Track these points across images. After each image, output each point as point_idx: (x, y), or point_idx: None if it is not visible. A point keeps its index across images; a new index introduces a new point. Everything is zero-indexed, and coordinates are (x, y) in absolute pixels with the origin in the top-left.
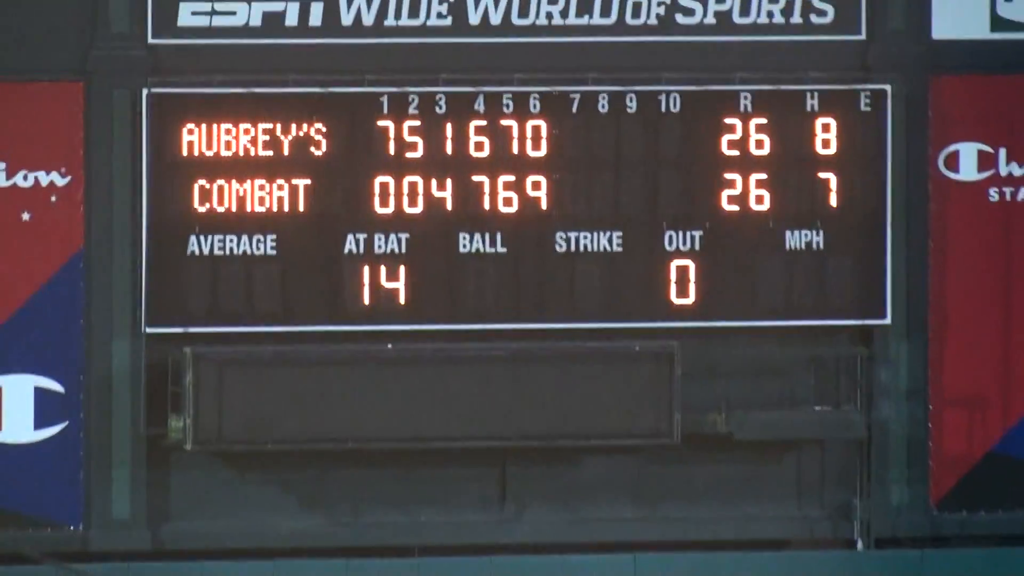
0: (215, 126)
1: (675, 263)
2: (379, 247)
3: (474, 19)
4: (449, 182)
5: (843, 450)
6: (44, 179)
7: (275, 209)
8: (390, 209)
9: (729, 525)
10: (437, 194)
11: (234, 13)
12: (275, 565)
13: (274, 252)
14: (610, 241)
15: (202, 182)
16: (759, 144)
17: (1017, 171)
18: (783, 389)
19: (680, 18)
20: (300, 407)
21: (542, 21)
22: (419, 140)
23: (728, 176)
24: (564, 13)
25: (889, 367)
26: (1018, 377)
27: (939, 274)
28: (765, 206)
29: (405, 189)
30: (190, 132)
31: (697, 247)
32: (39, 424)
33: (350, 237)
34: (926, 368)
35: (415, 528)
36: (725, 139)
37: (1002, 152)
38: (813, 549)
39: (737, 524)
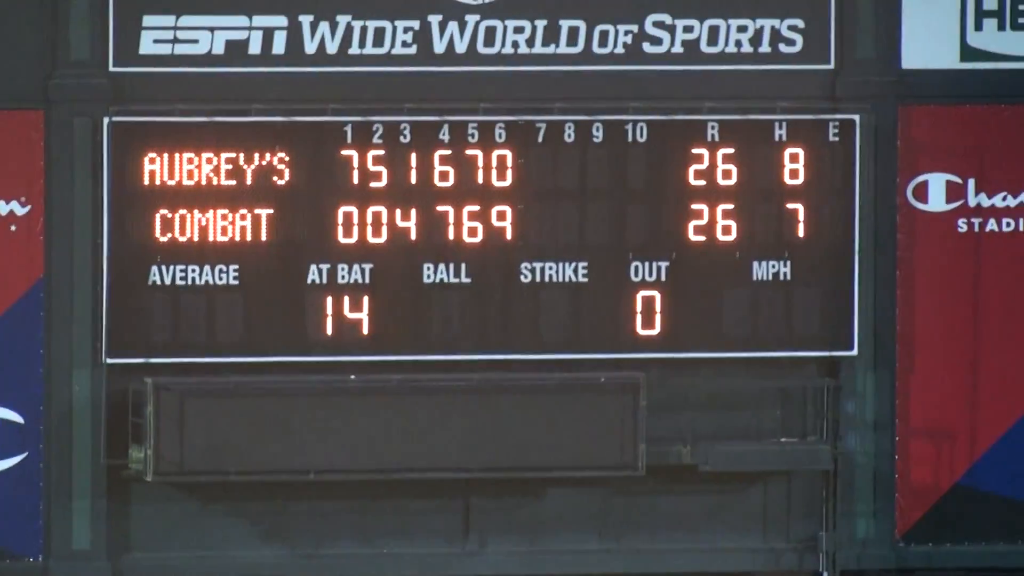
0: (177, 155)
1: (641, 294)
2: (342, 277)
3: (439, 48)
4: (413, 212)
5: (809, 482)
6: (3, 208)
7: (237, 239)
8: (354, 239)
9: (694, 557)
10: (401, 224)
11: (196, 42)
12: None
13: (236, 282)
14: (575, 272)
15: (164, 211)
16: (726, 174)
17: (986, 202)
18: (749, 421)
19: (647, 47)
20: (262, 438)
21: (508, 50)
22: (383, 170)
23: (695, 206)
24: (530, 42)
25: (856, 399)
26: (985, 409)
27: (907, 306)
28: (732, 237)
29: (369, 219)
30: (152, 161)
31: (663, 278)
32: None
33: (313, 267)
34: (893, 400)
35: (377, 560)
36: (692, 169)
37: (971, 183)
38: None
39: (702, 556)
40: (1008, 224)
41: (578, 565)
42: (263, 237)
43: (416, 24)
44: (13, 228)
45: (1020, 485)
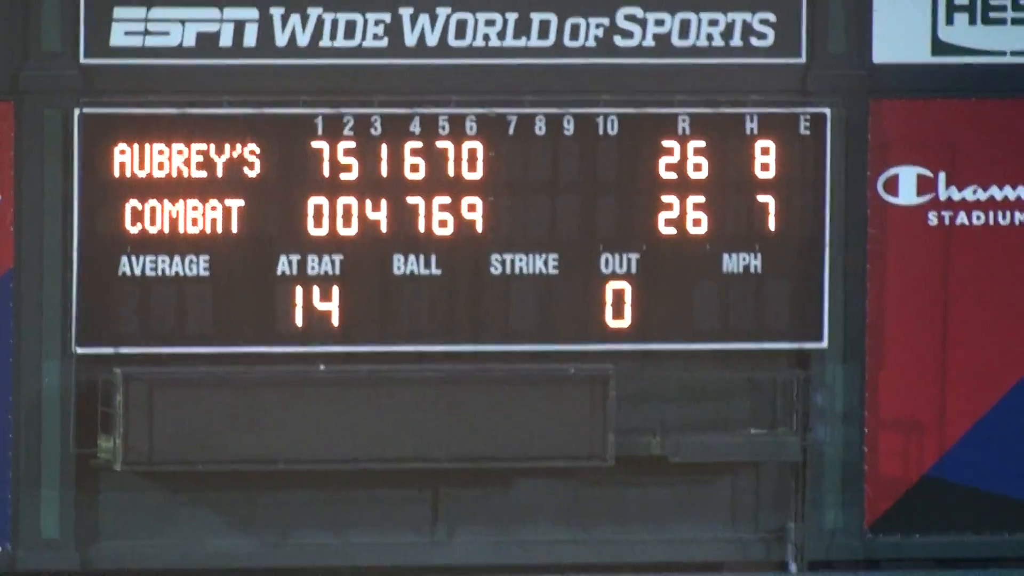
0: (148, 146)
1: (611, 286)
2: (312, 268)
3: (410, 40)
4: (384, 204)
5: (778, 473)
6: None
7: (208, 230)
8: (324, 231)
9: (663, 547)
10: (372, 216)
11: (168, 34)
12: None
13: (207, 273)
14: (546, 263)
15: (134, 203)
16: (697, 167)
17: (956, 196)
18: (719, 412)
19: (619, 40)
20: (231, 428)
21: (479, 43)
22: (354, 162)
23: (666, 199)
24: (501, 35)
25: (825, 391)
26: (954, 402)
27: (877, 298)
28: (703, 229)
29: (339, 211)
30: (122, 152)
31: (634, 270)
32: None
33: (283, 258)
34: (862, 392)
35: (346, 549)
36: (663, 162)
37: (941, 176)
38: (746, 572)
39: (671, 546)
40: (978, 217)
41: (547, 555)
42: (233, 228)
43: (387, 17)
44: None
45: (988, 476)
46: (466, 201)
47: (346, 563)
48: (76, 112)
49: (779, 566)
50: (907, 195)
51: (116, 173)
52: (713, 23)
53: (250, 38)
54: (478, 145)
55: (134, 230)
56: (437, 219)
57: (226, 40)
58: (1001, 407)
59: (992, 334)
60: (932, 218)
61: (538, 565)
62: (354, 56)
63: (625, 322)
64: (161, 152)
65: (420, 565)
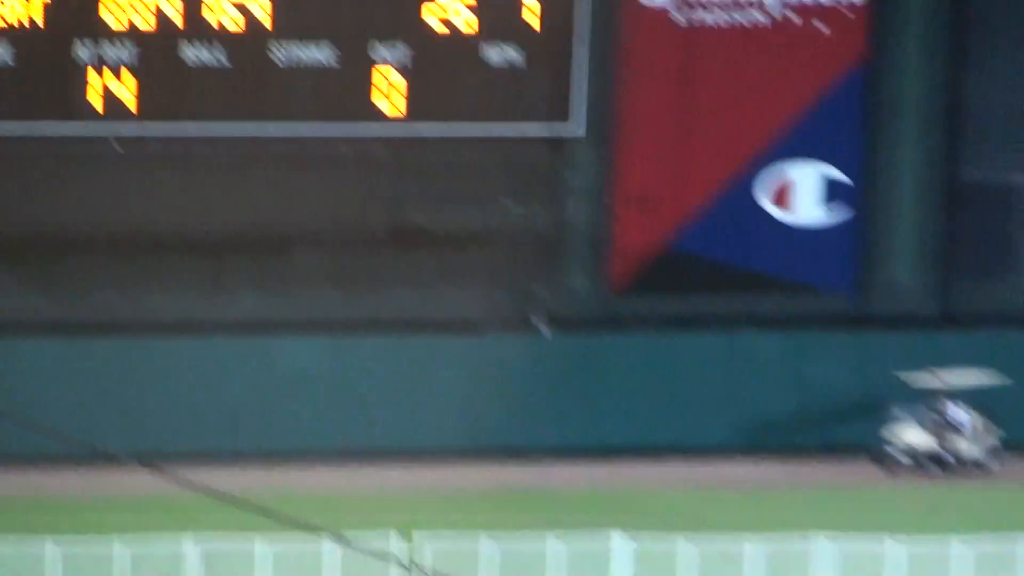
0: None
1: (385, 76)
2: (110, 57)
3: None
4: None
5: (534, 244)
6: None
7: (11, 21)
8: (119, 22)
9: (425, 311)
10: (165, 9)
11: None
12: (3, 344)
13: (10, 62)
14: (326, 56)
15: None
16: None
17: None
18: (481, 190)
19: None
20: (37, 200)
21: None
22: None
23: None
24: None
25: (576, 171)
26: (693, 183)
27: (626, 89)
28: (468, 25)
29: (135, 3)
30: None
31: (406, 62)
32: None
33: (84, 49)
34: (610, 172)
35: (137, 310)
36: None
37: None
38: (502, 334)
39: (433, 310)
40: (722, 17)
41: (321, 314)
42: (36, 20)
43: None
44: None
45: (722, 249)
46: None
47: (135, 320)
48: None
49: (532, 329)
50: None
51: None
52: None
53: None
54: None
55: None
56: (227, 13)
57: None
58: (732, 189)
59: (730, 122)
60: (679, 18)
61: (311, 327)
62: None
63: (396, 108)
64: None
65: (204, 324)
